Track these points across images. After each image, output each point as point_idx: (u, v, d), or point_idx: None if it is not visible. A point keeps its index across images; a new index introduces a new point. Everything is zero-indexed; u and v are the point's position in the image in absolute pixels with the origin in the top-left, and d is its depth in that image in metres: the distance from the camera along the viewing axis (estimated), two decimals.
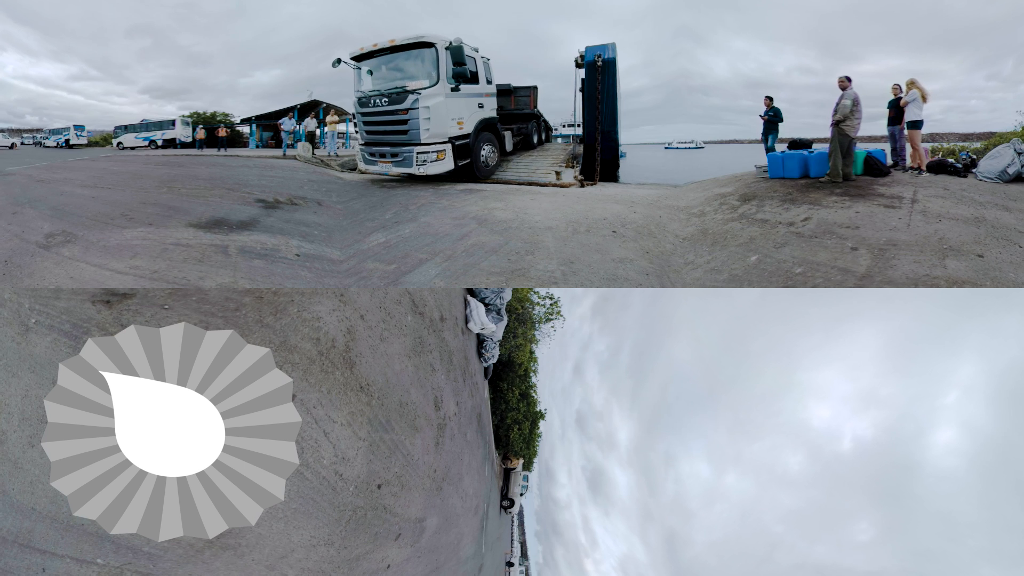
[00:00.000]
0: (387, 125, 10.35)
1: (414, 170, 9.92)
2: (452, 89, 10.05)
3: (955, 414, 37.53)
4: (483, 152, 11.32)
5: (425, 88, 9.85)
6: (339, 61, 10.62)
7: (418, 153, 9.88)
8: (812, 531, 45.85)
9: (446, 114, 10.05)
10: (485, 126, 11.39)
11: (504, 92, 15.15)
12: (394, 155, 10.29)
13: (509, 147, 13.53)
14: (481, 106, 11.16)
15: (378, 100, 10.38)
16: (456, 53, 9.86)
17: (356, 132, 12.53)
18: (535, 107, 15.90)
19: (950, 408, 37.99)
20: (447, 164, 10.14)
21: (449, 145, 10.15)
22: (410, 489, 4.24)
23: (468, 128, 10.67)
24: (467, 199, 8.03)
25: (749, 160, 10.70)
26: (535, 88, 16.00)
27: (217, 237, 5.18)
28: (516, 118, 15.11)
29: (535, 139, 16.25)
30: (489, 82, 11.69)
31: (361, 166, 11.35)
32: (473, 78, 10.76)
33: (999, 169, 7.96)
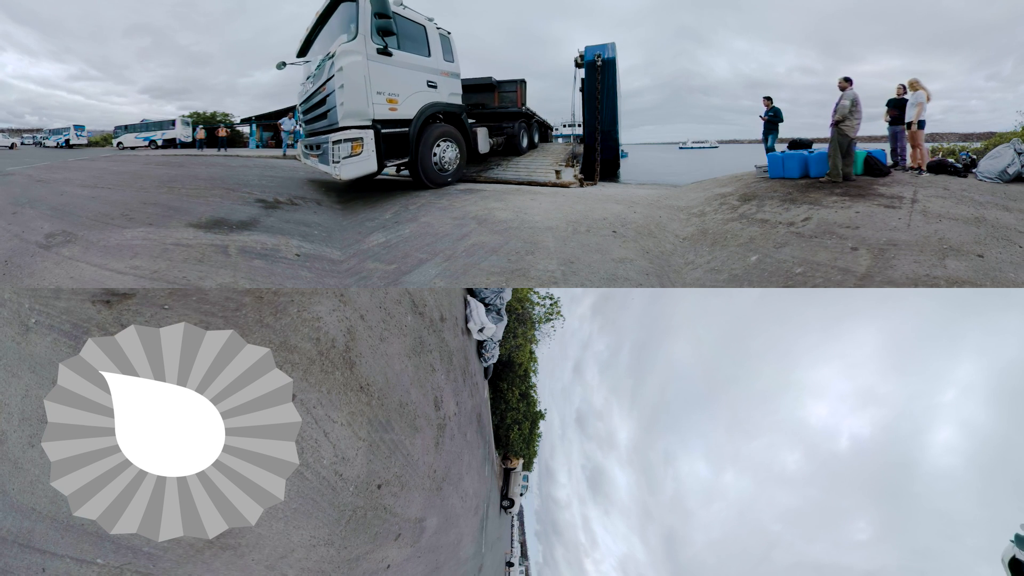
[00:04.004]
0: (313, 109, 8.21)
1: (330, 169, 7.21)
2: (379, 51, 7.26)
3: (953, 412, 37.58)
4: (436, 151, 8.59)
5: (342, 44, 7.20)
6: (283, 64, 8.68)
7: (333, 143, 7.11)
8: (810, 530, 45.86)
9: (365, 84, 7.14)
10: (441, 116, 8.82)
11: (485, 87, 13.34)
12: (316, 147, 7.81)
13: (484, 148, 10.86)
14: (433, 86, 8.52)
15: (310, 81, 8.50)
16: (378, 2, 7.20)
17: (299, 127, 10.50)
18: (523, 104, 13.59)
19: (948, 406, 38.04)
20: (366, 163, 7.15)
21: (370, 133, 7.15)
22: (410, 489, 4.24)
23: (407, 112, 7.85)
24: (467, 199, 8.03)
25: (760, 159, 10.61)
26: (522, 82, 13.64)
27: (217, 237, 5.18)
28: (500, 117, 13.12)
29: (524, 141, 13.76)
30: (450, 61, 9.14)
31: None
32: (419, 48, 8.27)
33: (999, 169, 7.96)
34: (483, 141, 10.83)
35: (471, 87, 13.03)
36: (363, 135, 7.12)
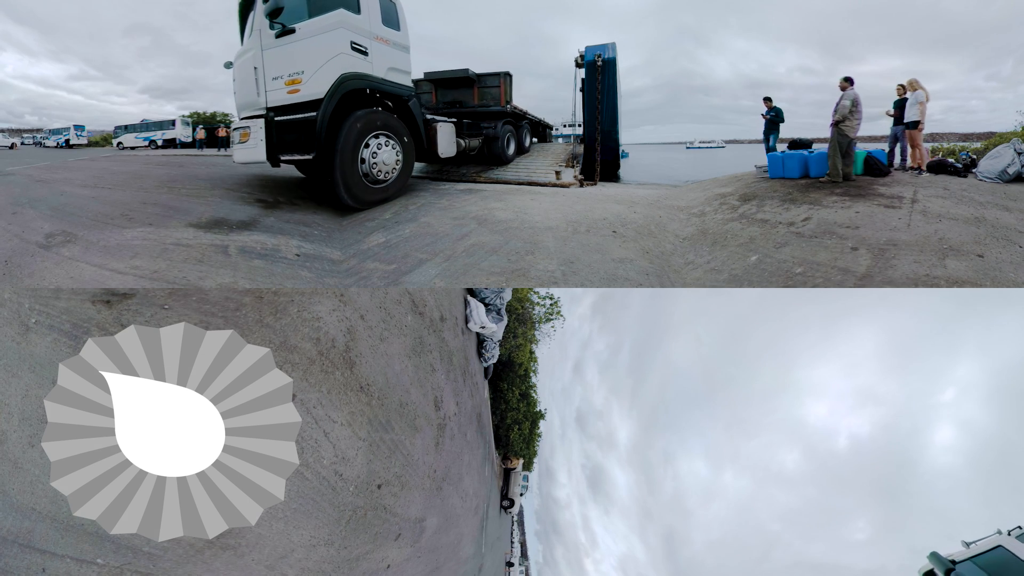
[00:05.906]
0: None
1: (234, 155, 7.06)
2: (278, 36, 6.22)
3: (953, 412, 37.66)
4: (364, 152, 6.63)
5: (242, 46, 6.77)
6: (231, 64, 7.91)
7: (232, 131, 7.23)
8: (809, 529, 45.97)
9: (255, 74, 6.40)
10: (381, 100, 7.04)
11: (462, 81, 11.24)
12: None
13: (447, 150, 8.69)
14: (360, 51, 6.68)
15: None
16: None
17: None
18: (507, 101, 11.31)
19: (948, 406, 38.15)
20: (254, 150, 6.43)
21: (259, 122, 6.37)
22: (410, 489, 4.24)
23: (315, 88, 6.23)
24: (467, 199, 8.03)
25: (760, 159, 10.55)
26: (507, 76, 11.16)
27: (217, 237, 5.18)
28: (480, 116, 11.29)
29: (510, 146, 11.74)
30: (393, 28, 7.27)
31: None
32: (344, 4, 6.66)
33: (999, 169, 7.96)
34: (446, 140, 8.55)
35: (444, 81, 11.32)
36: (251, 124, 6.48)
